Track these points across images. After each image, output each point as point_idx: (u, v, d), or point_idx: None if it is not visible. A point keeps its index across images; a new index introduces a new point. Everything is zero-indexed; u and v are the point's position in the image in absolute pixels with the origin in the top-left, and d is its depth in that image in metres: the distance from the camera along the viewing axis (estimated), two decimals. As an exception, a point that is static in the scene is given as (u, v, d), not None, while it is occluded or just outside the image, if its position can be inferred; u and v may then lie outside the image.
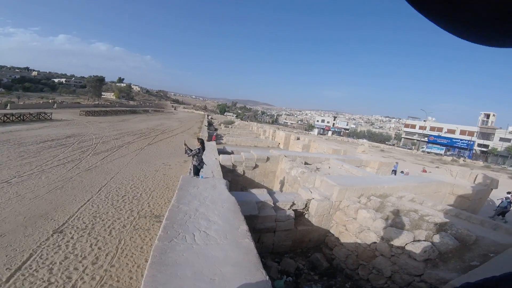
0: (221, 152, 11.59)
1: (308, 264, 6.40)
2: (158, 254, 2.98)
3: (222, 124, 37.13)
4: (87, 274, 4.44)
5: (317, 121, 78.88)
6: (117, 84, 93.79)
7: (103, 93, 66.57)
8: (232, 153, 11.73)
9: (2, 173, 8.79)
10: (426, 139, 51.71)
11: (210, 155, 9.86)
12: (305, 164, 10.80)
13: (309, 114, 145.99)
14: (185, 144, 6.34)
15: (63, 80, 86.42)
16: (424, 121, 53.65)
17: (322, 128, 70.29)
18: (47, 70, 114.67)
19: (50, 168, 9.84)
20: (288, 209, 6.77)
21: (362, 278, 5.84)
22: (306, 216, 7.07)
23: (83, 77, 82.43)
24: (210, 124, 36.24)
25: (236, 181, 10.07)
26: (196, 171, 6.52)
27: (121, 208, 7.20)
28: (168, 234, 3.51)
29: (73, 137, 16.82)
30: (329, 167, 11.03)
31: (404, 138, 57.36)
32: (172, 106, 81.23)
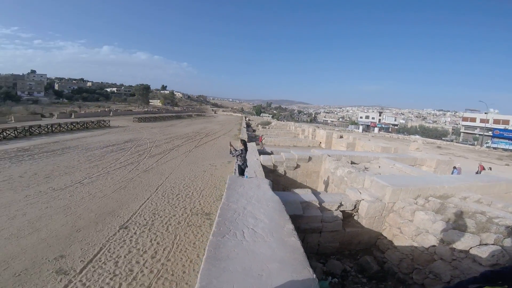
0: (261, 152, 11.76)
1: (356, 266, 6.13)
2: (212, 249, 3.16)
3: (259, 125, 37.62)
4: (146, 268, 4.87)
5: (361, 117, 74.63)
6: (161, 91, 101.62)
7: (150, 100, 72.78)
8: (271, 153, 11.82)
9: (76, 175, 10.23)
10: (490, 133, 45.07)
11: (251, 156, 10.08)
12: (351, 163, 10.34)
13: (351, 111, 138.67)
14: (230, 145, 6.60)
15: (115, 89, 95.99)
16: (486, 113, 46.83)
17: (366, 125, 66.06)
18: (99, 80, 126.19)
19: (113, 170, 11.14)
20: (335, 210, 6.57)
21: (416, 282, 5.38)
22: (355, 217, 6.77)
23: (131, 86, 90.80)
24: (248, 125, 37.05)
25: (278, 181, 10.09)
26: (241, 171, 6.74)
27: (176, 206, 7.81)
28: (220, 230, 3.70)
29: (130, 142, 18.76)
30: (379, 167, 10.38)
31: (464, 132, 50.87)
32: (213, 110, 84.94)
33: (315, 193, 7.16)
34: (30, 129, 19.68)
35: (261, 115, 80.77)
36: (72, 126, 23.63)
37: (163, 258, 5.18)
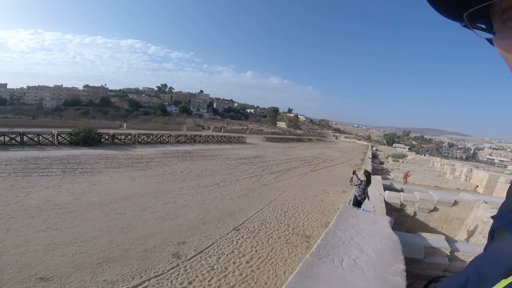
0: (387, 188, 10.28)
1: None
2: (305, 267, 3.22)
3: (389, 158, 32.83)
4: (238, 269, 5.23)
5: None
6: (287, 114, 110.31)
7: (277, 122, 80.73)
8: (401, 190, 10.12)
9: (216, 177, 12.83)
10: None
11: (374, 190, 9.06)
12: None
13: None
14: (354, 173, 6.32)
15: (252, 110, 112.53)
16: None
17: None
18: (242, 101, 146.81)
19: (242, 179, 13.15)
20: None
21: None
22: None
23: (264, 108, 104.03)
24: (374, 156, 33.21)
25: (402, 222, 8.58)
26: (356, 203, 6.26)
27: (281, 222, 8.20)
28: (319, 252, 3.70)
29: (257, 157, 21.53)
30: None
31: None
32: (333, 136, 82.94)
33: (450, 240, 5.95)
34: (194, 138, 26.75)
35: (393, 145, 70.54)
36: (220, 139, 30.03)
37: (254, 266, 5.50)
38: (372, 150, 42.04)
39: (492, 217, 0.48)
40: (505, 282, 0.35)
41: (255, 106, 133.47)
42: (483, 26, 0.35)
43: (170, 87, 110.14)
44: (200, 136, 27.96)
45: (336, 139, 75.66)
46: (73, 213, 6.80)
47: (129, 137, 21.25)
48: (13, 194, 7.70)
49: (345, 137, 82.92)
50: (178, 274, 4.79)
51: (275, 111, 76.09)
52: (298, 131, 75.54)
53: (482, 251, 0.49)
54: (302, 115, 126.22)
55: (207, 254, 5.69)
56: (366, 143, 66.30)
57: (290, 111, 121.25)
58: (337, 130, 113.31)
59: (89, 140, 17.55)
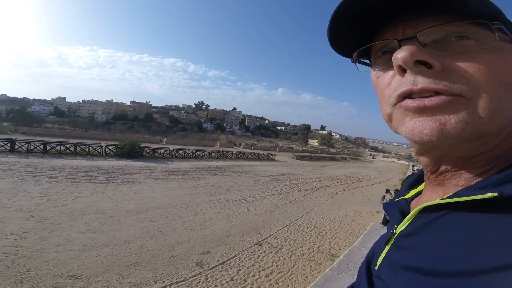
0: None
1: None
2: (323, 279, 3.10)
3: (433, 179, 29.89)
4: (257, 283, 5.16)
5: None
6: (319, 131, 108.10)
7: (309, 140, 79.39)
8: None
9: (244, 192, 12.96)
10: None
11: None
12: None
13: None
14: (387, 192, 5.99)
15: (283, 127, 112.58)
16: None
17: None
18: (273, 119, 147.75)
19: (269, 195, 13.08)
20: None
21: None
22: None
23: (295, 125, 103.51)
24: (415, 177, 30.59)
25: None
26: (386, 221, 5.86)
27: (306, 239, 7.93)
28: (340, 267, 3.54)
29: (286, 175, 21.31)
30: None
31: None
32: (370, 155, 78.56)
33: None
34: (226, 154, 27.57)
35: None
36: (250, 156, 30.51)
37: (273, 280, 5.37)
38: (413, 170, 38.76)
39: (383, 205, 0.61)
40: (386, 248, 0.44)
41: (285, 123, 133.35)
42: (366, 61, 0.45)
43: (207, 105, 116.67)
44: (232, 152, 28.74)
45: (373, 158, 71.56)
46: (112, 218, 7.42)
47: (168, 151, 22.75)
48: (62, 198, 8.67)
49: (383, 156, 77.96)
50: (199, 282, 4.90)
51: (306, 128, 75.24)
52: (331, 150, 73.28)
53: None
54: (336, 133, 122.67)
55: (229, 265, 5.78)
56: (406, 162, 61.42)
57: (323, 128, 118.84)
58: (375, 149, 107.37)
59: (133, 152, 19.22)
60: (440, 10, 0.33)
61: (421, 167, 0.52)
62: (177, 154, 23.19)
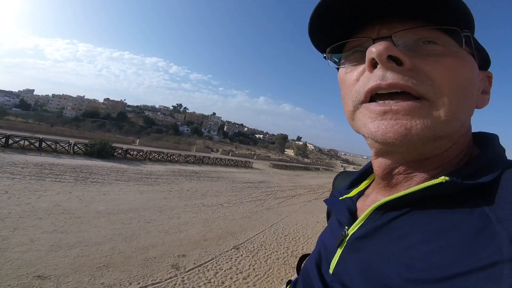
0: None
1: None
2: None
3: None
4: (235, 284, 5.29)
5: None
6: (296, 142, 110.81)
7: (285, 150, 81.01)
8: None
9: (220, 198, 12.94)
10: None
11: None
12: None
13: None
14: None
15: (261, 136, 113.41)
16: None
17: None
18: (252, 126, 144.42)
19: (246, 202, 13.20)
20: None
21: None
22: None
23: (273, 135, 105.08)
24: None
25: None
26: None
27: (281, 244, 8.20)
28: None
29: (263, 183, 21.57)
30: None
31: None
32: (342, 166, 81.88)
33: None
34: (203, 159, 27.20)
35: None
36: (227, 162, 30.38)
37: (251, 282, 5.54)
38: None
39: (324, 201, 0.64)
40: (339, 250, 0.44)
41: (264, 131, 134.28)
42: (336, 60, 0.46)
43: (185, 107, 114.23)
44: (209, 158, 28.43)
45: (344, 169, 74.42)
46: (80, 219, 7.05)
47: (141, 153, 21.91)
48: (25, 196, 8.08)
49: (353, 168, 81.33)
50: (175, 284, 4.87)
51: (283, 138, 76.93)
52: (305, 160, 75.24)
53: None
54: (311, 144, 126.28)
55: (206, 268, 5.81)
56: (375, 177, 64.82)
57: (299, 139, 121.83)
58: (346, 161, 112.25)
59: (103, 152, 18.25)
60: (415, 15, 0.35)
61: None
62: (150, 157, 22.42)
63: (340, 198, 0.54)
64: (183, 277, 5.19)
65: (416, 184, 0.39)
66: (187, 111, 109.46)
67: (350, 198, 0.52)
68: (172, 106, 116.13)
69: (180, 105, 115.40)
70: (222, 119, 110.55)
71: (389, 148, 0.39)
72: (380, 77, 0.35)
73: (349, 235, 0.43)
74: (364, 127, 0.38)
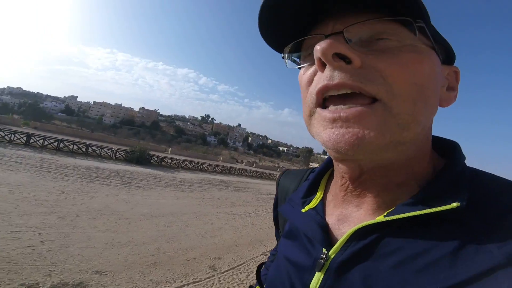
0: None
1: None
2: None
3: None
4: None
5: None
6: (321, 155, 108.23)
7: (310, 163, 79.51)
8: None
9: (248, 208, 13.30)
10: None
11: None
12: None
13: None
14: None
15: (285, 148, 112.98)
16: None
17: None
18: (276, 138, 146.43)
19: (271, 213, 13.39)
20: None
21: None
22: None
23: (298, 147, 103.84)
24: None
25: None
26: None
27: None
28: None
29: (287, 194, 21.65)
30: None
31: None
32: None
33: None
34: (230, 170, 28.01)
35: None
36: (252, 173, 30.93)
37: None
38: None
39: (278, 209, 0.62)
40: (319, 275, 0.39)
41: (288, 144, 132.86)
42: (297, 59, 0.43)
43: (212, 118, 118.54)
44: (235, 168, 29.22)
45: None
46: (128, 220, 7.81)
47: (175, 161, 23.31)
48: (79, 197, 9.06)
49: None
50: (213, 284, 5.28)
51: (309, 151, 75.89)
52: (331, 174, 72.77)
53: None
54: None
55: (239, 270, 6.16)
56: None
57: (325, 153, 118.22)
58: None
59: (142, 159, 19.75)
60: (368, 7, 0.33)
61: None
62: (183, 165, 23.67)
63: (303, 210, 0.47)
64: (219, 278, 5.59)
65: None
66: (214, 121, 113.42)
67: (314, 210, 0.46)
68: (201, 116, 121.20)
69: (208, 116, 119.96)
70: (246, 130, 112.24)
71: (344, 157, 0.36)
72: (327, 77, 0.34)
73: (331, 258, 0.38)
74: (317, 135, 0.37)
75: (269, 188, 23.22)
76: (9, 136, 16.39)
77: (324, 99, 0.36)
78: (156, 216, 8.77)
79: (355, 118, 0.32)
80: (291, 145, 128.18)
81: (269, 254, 0.84)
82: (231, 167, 28.69)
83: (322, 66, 0.34)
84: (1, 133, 16.18)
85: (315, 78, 0.37)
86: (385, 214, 0.36)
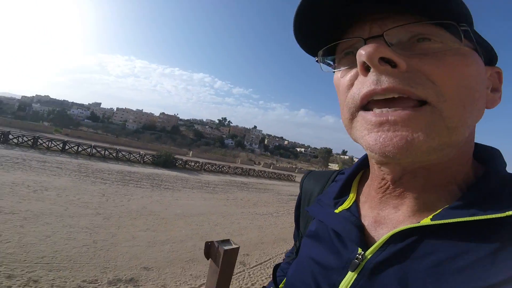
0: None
1: None
2: None
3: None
4: None
5: None
6: (341, 156, 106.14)
7: (329, 164, 78.44)
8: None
9: (269, 208, 13.75)
10: None
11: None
12: None
13: None
14: None
15: (303, 149, 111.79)
16: None
17: None
18: (293, 140, 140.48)
19: (292, 213, 13.74)
20: None
21: None
22: None
23: (316, 148, 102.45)
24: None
25: None
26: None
27: None
28: None
29: (307, 195, 21.89)
30: None
31: None
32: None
33: None
34: (249, 172, 28.63)
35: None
36: (270, 175, 31.37)
37: None
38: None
39: (306, 209, 0.60)
40: (352, 274, 0.39)
41: (305, 145, 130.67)
42: (331, 62, 0.44)
43: (229, 121, 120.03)
44: (254, 170, 29.83)
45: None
46: (164, 220, 8.56)
47: (197, 164, 24.32)
48: (118, 199, 9.91)
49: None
50: (244, 277, 5.78)
51: (327, 152, 74.96)
52: (351, 175, 71.13)
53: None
54: (357, 158, 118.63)
55: (266, 266, 6.60)
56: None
57: (344, 153, 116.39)
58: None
59: (168, 163, 20.87)
60: (408, 9, 0.32)
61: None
62: (205, 168, 24.63)
63: (336, 211, 0.47)
64: (249, 272, 6.07)
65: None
66: (231, 124, 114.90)
67: (349, 211, 0.46)
68: (218, 119, 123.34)
69: (225, 119, 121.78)
70: (262, 132, 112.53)
71: (391, 160, 0.35)
72: (374, 81, 0.33)
73: (367, 258, 0.38)
74: (361, 139, 0.36)
75: (289, 189, 23.55)
76: (47, 143, 18.01)
77: (368, 102, 0.35)
78: (188, 216, 9.48)
79: (404, 121, 0.31)
80: (308, 146, 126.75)
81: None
82: (250, 169, 29.31)
83: (366, 70, 0.34)
84: (40, 140, 17.80)
85: (357, 82, 0.37)
86: (431, 217, 0.35)
